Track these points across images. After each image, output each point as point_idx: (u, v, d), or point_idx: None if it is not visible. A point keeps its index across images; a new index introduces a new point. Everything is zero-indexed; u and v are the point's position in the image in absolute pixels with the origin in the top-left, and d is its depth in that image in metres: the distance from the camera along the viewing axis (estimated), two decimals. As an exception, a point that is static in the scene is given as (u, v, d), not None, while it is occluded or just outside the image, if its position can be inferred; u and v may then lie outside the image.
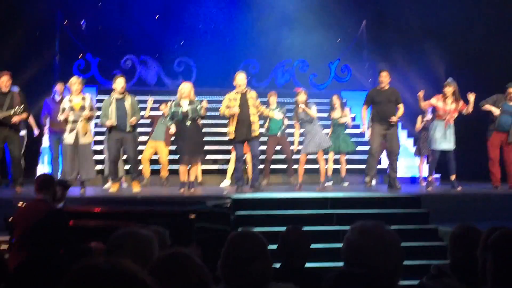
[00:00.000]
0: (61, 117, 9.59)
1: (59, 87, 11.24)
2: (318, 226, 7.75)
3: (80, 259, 1.43)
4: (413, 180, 12.57)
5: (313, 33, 15.05)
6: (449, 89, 10.26)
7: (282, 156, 11.86)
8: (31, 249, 3.99)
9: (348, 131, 11.89)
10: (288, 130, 11.74)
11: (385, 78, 10.38)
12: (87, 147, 9.63)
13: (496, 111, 10.42)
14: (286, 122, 11.61)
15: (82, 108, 9.52)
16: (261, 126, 10.90)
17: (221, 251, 2.80)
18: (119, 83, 9.85)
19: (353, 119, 14.13)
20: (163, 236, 3.46)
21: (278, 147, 11.79)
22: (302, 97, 10.29)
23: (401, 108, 10.47)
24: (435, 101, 10.40)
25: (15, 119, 9.66)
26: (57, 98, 11.03)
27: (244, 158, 10.37)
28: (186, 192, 9.71)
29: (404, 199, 9.13)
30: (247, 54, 15.77)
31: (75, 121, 9.47)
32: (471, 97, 10.29)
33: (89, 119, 9.63)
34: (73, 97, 9.61)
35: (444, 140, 10.28)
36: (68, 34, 15.05)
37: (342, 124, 11.61)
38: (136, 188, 9.84)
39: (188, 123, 9.75)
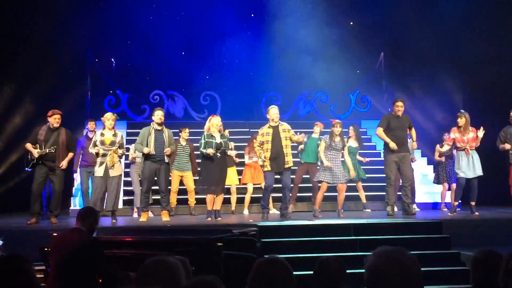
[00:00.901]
0: (92, 150, 9.73)
1: (90, 125, 11.41)
2: (342, 252, 7.69)
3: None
4: (435, 206, 12.44)
5: (333, 65, 15.11)
6: (461, 120, 10.44)
7: (308, 184, 11.78)
8: (66, 278, 4.01)
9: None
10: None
11: (401, 108, 10.43)
12: (116, 180, 9.73)
13: (507, 146, 10.52)
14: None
15: (112, 143, 9.65)
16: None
17: (248, 277, 2.80)
18: (157, 115, 9.97)
19: (374, 147, 14.16)
20: (185, 264, 3.47)
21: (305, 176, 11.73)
22: (338, 129, 10.33)
23: (413, 132, 10.60)
24: (453, 134, 10.57)
25: (64, 164, 9.92)
26: (90, 135, 11.18)
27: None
28: (213, 220, 9.72)
29: (426, 224, 9.03)
30: (269, 87, 15.88)
31: (104, 155, 9.60)
32: (480, 133, 10.43)
33: (119, 156, 9.75)
34: (105, 132, 9.76)
35: (469, 168, 10.37)
36: (98, 72, 15.27)
37: (354, 153, 11.56)
38: (165, 218, 9.87)
39: (219, 155, 9.83)
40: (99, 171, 9.63)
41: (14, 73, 13.96)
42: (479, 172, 10.40)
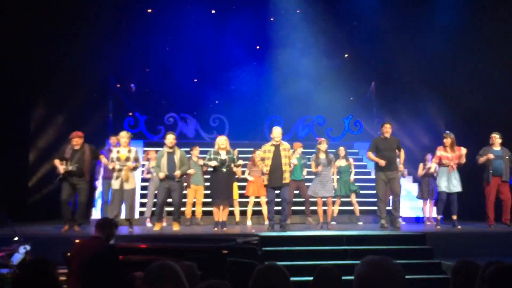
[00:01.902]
0: (109, 166, 9.78)
1: (112, 140, 11.49)
2: (335, 260, 7.65)
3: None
4: (418, 220, 12.39)
5: (330, 92, 15.17)
6: (447, 140, 10.41)
7: (300, 199, 11.77)
8: (85, 281, 3.99)
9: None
10: (308, 176, 11.67)
11: (388, 129, 10.39)
12: (131, 192, 9.73)
13: (490, 155, 10.53)
14: (305, 172, 11.55)
15: (127, 159, 9.67)
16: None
17: (249, 282, 2.79)
18: (168, 139, 10.04)
19: (365, 166, 14.14)
20: (193, 269, 3.47)
21: (296, 191, 11.72)
22: (324, 146, 10.44)
23: (402, 153, 10.54)
24: (439, 152, 10.49)
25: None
26: (112, 149, 11.24)
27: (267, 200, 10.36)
28: (219, 230, 9.69)
29: (411, 236, 8.99)
30: (272, 111, 15.92)
31: (120, 170, 9.62)
32: (463, 150, 10.44)
33: (133, 169, 9.76)
34: (121, 149, 9.80)
35: (449, 183, 10.33)
36: (120, 96, 15.35)
37: (346, 170, 11.59)
38: (176, 228, 9.85)
39: (224, 170, 9.82)
40: (115, 184, 9.66)
41: (48, 94, 14.13)
42: (458, 189, 10.36)
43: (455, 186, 10.36)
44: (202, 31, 16.21)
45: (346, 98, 16.00)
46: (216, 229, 9.81)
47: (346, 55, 16.69)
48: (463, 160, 10.42)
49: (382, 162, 10.10)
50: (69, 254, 5.51)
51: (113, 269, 4.02)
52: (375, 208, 11.18)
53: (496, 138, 10.68)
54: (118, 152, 9.78)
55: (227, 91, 16.45)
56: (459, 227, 10.18)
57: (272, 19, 16.61)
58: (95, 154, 10.18)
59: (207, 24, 16.36)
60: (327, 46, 15.76)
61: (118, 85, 15.44)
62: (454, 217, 10.38)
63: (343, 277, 4.26)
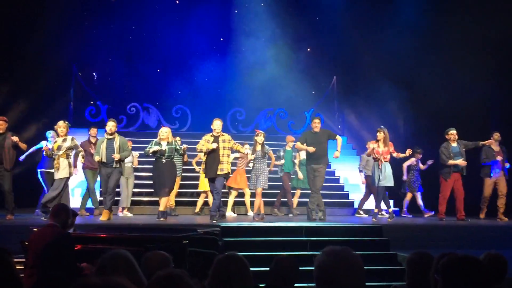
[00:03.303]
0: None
1: (93, 131, 11.37)
2: (294, 251, 7.69)
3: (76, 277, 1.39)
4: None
5: (292, 86, 15.22)
6: (380, 134, 10.29)
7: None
8: (41, 269, 3.91)
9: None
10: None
11: (317, 124, 10.39)
12: (62, 181, 9.45)
13: (463, 162, 10.68)
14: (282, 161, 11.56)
15: (59, 148, 9.52)
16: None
17: (209, 271, 2.78)
18: (108, 125, 9.95)
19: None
20: (167, 260, 3.45)
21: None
22: (260, 138, 10.39)
23: (338, 140, 10.51)
24: (371, 145, 10.50)
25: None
26: (92, 140, 11.17)
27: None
28: (173, 219, 9.64)
29: (368, 228, 9.11)
30: (235, 103, 15.89)
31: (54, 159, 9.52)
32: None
33: (67, 156, 9.55)
34: (58, 138, 9.71)
35: (381, 177, 10.18)
36: (81, 84, 15.09)
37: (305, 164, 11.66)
38: (104, 217, 9.57)
39: (164, 161, 9.79)
40: (54, 173, 9.57)
41: (10, 81, 13.76)
42: (389, 183, 10.24)
43: (385, 179, 10.16)
44: (166, 22, 16.06)
45: (308, 92, 16.09)
46: (162, 219, 9.70)
47: (308, 49, 16.76)
48: (401, 156, 10.51)
49: (311, 149, 10.16)
50: (26, 242, 5.41)
51: (66, 257, 3.96)
52: (331, 200, 11.27)
53: (454, 135, 10.82)
54: (55, 142, 9.68)
55: (190, 82, 16.34)
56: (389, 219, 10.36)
57: (236, 11, 16.55)
58: (16, 144, 9.86)
59: (171, 14, 16.20)
60: (290, 40, 15.82)
61: (80, 74, 15.17)
62: (390, 210, 10.67)
63: (303, 268, 4.28)
